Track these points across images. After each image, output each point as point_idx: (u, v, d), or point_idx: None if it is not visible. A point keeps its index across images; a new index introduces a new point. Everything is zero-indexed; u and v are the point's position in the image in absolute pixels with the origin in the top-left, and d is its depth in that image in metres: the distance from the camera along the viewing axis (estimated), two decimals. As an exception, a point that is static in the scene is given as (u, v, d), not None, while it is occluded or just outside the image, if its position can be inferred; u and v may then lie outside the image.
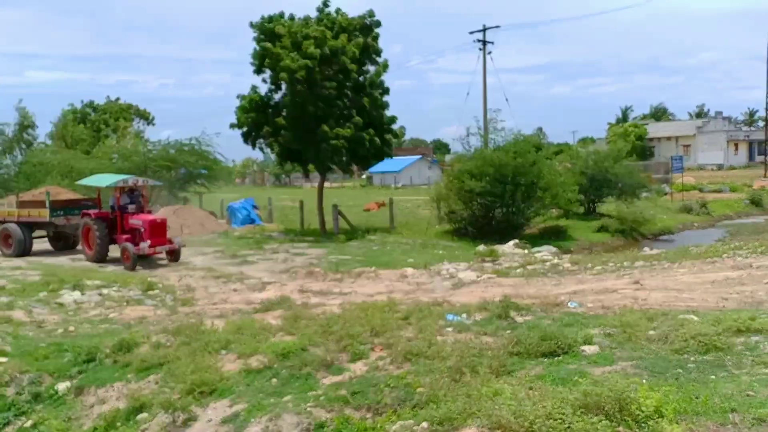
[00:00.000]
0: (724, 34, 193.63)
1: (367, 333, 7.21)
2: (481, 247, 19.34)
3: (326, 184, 28.88)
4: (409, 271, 15.17)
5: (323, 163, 23.84)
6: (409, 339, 6.86)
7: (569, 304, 8.47)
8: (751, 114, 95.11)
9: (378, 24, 23.95)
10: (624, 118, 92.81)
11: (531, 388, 4.91)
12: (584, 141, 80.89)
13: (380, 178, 70.82)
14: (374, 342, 6.97)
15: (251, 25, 23.52)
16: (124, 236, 17.57)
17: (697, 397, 4.44)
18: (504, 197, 23.22)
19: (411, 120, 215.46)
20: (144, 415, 6.25)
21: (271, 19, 23.40)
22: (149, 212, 19.36)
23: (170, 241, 17.80)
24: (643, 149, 70.22)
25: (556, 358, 5.87)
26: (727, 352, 5.58)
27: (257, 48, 23.25)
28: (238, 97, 24.30)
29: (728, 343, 5.75)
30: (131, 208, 18.07)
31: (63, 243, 20.58)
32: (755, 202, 35.85)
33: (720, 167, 65.58)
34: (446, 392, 5.04)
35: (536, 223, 25.76)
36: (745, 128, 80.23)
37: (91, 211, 18.40)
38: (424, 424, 4.56)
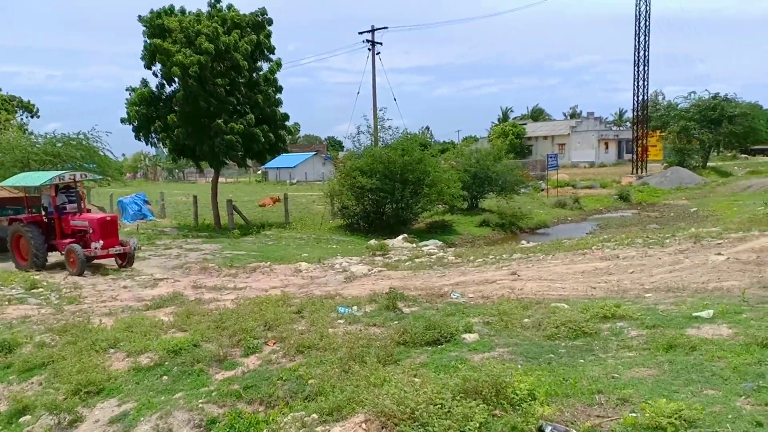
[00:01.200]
0: (596, 39, 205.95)
1: (260, 327, 7.13)
2: (373, 242, 19.56)
3: (221, 180, 28.17)
4: (303, 265, 15.09)
5: (217, 158, 23.24)
6: (302, 332, 6.85)
7: (452, 294, 8.74)
8: (620, 114, 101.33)
9: (270, 21, 23.60)
10: (504, 118, 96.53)
11: (415, 376, 5.04)
12: (468, 140, 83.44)
13: (276, 173, 69.91)
14: (267, 336, 6.90)
15: (140, 19, 22.49)
16: (66, 240, 15.07)
17: (566, 380, 4.71)
18: (393, 193, 23.61)
19: (306, 117, 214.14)
20: (27, 417, 5.89)
21: (160, 14, 22.46)
22: (89, 210, 17.13)
23: (123, 243, 15.31)
24: (521, 148, 73.32)
25: (439, 346, 6.05)
26: (595, 337, 5.94)
27: (147, 42, 22.27)
28: (127, 90, 23.20)
29: (596, 328, 6.12)
30: (70, 207, 15.73)
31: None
32: (623, 197, 38.28)
33: (592, 164, 69.48)
34: (336, 383, 5.08)
35: (424, 218, 26.37)
36: (614, 128, 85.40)
37: (22, 216, 15.82)
38: (314, 415, 4.58)
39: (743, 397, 4.19)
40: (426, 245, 19.28)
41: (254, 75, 23.36)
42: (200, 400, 5.47)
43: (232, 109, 22.28)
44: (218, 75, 21.71)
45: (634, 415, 3.98)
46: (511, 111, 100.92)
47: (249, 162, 27.26)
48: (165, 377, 6.18)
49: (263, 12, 23.48)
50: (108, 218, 15.50)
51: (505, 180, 31.33)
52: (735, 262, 9.83)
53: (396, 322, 7.08)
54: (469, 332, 6.39)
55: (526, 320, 6.73)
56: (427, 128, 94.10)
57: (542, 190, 39.98)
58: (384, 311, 7.73)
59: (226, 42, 21.55)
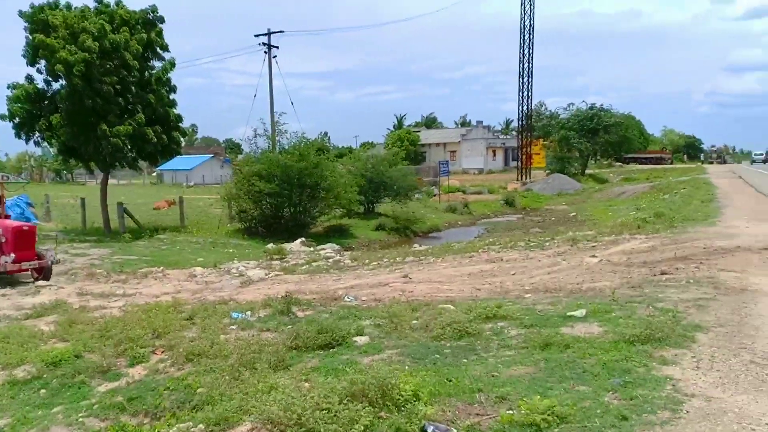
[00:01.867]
0: (486, 50, 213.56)
1: (148, 335, 6.82)
2: (270, 246, 19.24)
3: (114, 182, 26.78)
4: (199, 270, 14.59)
5: (104, 160, 22.00)
6: (192, 339, 6.61)
7: (346, 298, 8.74)
8: (507, 123, 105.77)
9: (162, 19, 22.60)
10: (400, 125, 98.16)
11: (306, 380, 4.99)
12: (366, 145, 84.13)
13: (172, 176, 67.39)
14: (155, 344, 6.61)
15: (20, 14, 20.92)
16: None
17: (450, 380, 4.82)
18: (291, 198, 23.34)
19: (204, 119, 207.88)
20: None
21: (42, 8, 20.98)
22: (8, 217, 14.87)
23: (39, 256, 13.24)
24: (416, 154, 74.81)
25: (331, 350, 6.03)
26: (478, 337, 6.12)
27: (30, 38, 20.74)
28: (9, 87, 21.50)
29: (479, 329, 6.31)
30: None
31: None
32: (509, 203, 39.81)
33: (481, 171, 71.97)
34: (224, 391, 4.93)
35: (322, 222, 26.25)
36: (502, 136, 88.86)
37: None
38: (201, 426, 4.41)
39: (611, 392, 4.44)
40: (323, 249, 19.19)
41: (146, 74, 22.32)
42: (81, 414, 5.14)
43: (121, 109, 21.17)
44: (106, 73, 20.52)
45: (511, 412, 4.12)
46: (406, 118, 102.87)
47: (142, 164, 26.05)
48: (43, 391, 5.77)
49: (154, 9, 22.44)
50: (25, 228, 13.43)
51: (400, 185, 31.77)
52: (607, 263, 10.46)
53: (289, 326, 6.99)
54: (361, 335, 6.42)
55: (414, 322, 6.84)
56: (326, 133, 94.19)
57: (435, 195, 40.89)
58: (278, 316, 7.61)
59: (114, 40, 20.43)
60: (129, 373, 5.97)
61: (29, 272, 13.22)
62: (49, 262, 13.25)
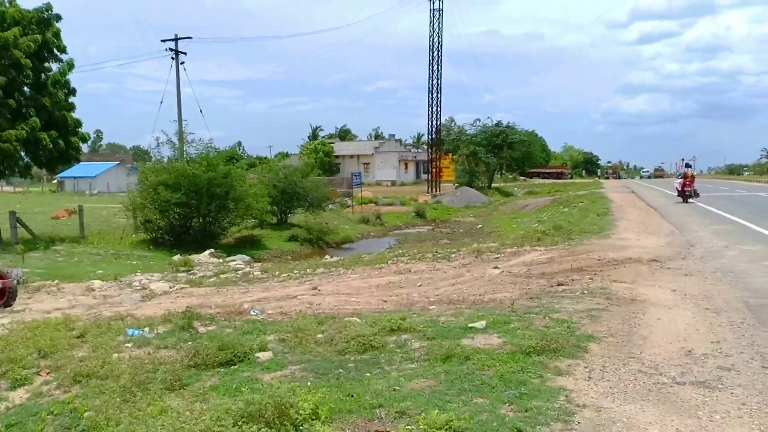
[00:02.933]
0: (398, 65, 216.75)
1: (33, 356, 6.31)
2: (177, 257, 18.53)
3: (9, 189, 24.91)
4: (97, 283, 13.79)
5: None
6: (82, 359, 6.17)
7: (252, 311, 8.49)
8: (418, 137, 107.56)
9: (58, 18, 21.27)
10: (314, 136, 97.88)
11: (203, 401, 4.75)
12: (280, 156, 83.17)
13: (73, 183, 63.85)
14: (41, 365, 6.12)
15: None
16: None
17: (351, 396, 4.72)
18: (200, 208, 22.60)
19: (110, 125, 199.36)
20: None
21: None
22: None
23: (2, 276, 11.08)
24: (330, 165, 74.67)
25: (232, 367, 5.79)
26: (382, 350, 6.06)
27: None
28: None
29: (383, 342, 6.25)
30: None
31: None
32: (420, 214, 40.32)
33: (394, 183, 72.70)
34: (112, 415, 4.60)
35: (233, 232, 25.58)
36: (413, 150, 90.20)
37: None
38: (84, 454, 4.09)
39: (507, 404, 4.48)
40: (233, 260, 18.66)
41: (42, 76, 20.98)
42: (-52, 445, 4.67)
43: (12, 111, 19.72)
44: (-6, 73, 19.11)
45: (410, 428, 4.07)
46: (321, 129, 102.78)
47: (40, 171, 24.47)
48: None
49: (49, 8, 21.06)
50: None
51: (313, 196, 31.51)
52: (508, 275, 10.72)
53: (189, 343, 6.67)
54: (264, 350, 6.21)
55: (320, 336, 6.70)
56: (239, 143, 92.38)
57: (348, 206, 40.88)
58: (178, 332, 7.26)
59: (3, 38, 19.05)
60: (9, 397, 5.50)
61: None
62: (13, 283, 11.18)
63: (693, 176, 25.94)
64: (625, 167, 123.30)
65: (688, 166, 25.83)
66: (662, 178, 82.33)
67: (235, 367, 5.81)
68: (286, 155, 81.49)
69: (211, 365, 5.82)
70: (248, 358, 5.97)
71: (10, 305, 11.11)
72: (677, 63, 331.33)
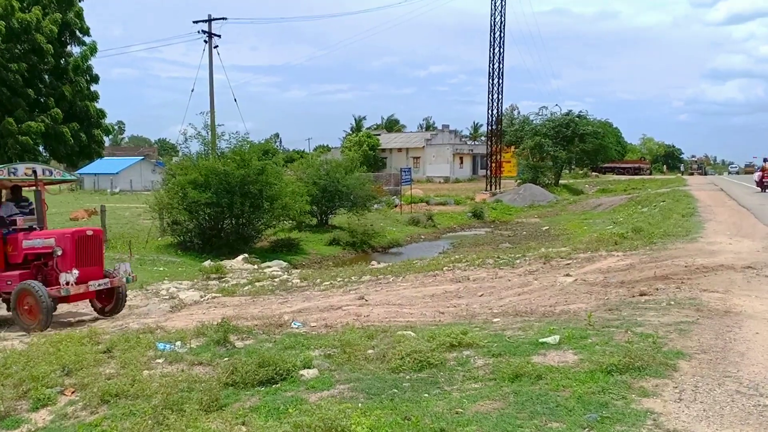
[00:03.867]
0: (453, 48, 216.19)
1: (56, 372, 6.50)
2: (208, 263, 18.90)
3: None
4: (122, 292, 14.18)
5: (10, 161, 21.25)
6: (109, 377, 6.34)
7: (293, 324, 8.58)
8: (476, 128, 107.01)
9: (80, -4, 21.94)
10: (358, 127, 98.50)
11: (243, 424, 4.83)
12: (320, 149, 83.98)
13: (94, 181, 65.89)
14: (65, 383, 6.32)
15: None
16: (12, 273, 10.78)
17: (409, 419, 4.73)
18: (232, 208, 22.97)
19: (133, 116, 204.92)
20: None
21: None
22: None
23: (109, 274, 11.23)
24: (375, 160, 75.07)
25: (274, 386, 5.87)
26: (441, 368, 6.06)
27: None
28: None
29: (441, 358, 6.25)
30: (21, 221, 11.25)
31: None
32: (477, 215, 40.15)
33: (447, 180, 72.63)
34: (146, 437, 4.73)
35: (268, 235, 25.94)
36: (470, 142, 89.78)
37: None
38: (117, 479, 4.22)
39: (587, 429, 4.43)
40: (269, 266, 18.95)
41: (62, 61, 21.56)
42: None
43: (31, 102, 20.35)
44: (13, 59, 19.72)
45: (476, 456, 4.05)
46: (365, 120, 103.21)
47: (58, 166, 25.26)
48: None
49: (71, -17, 21.83)
50: (89, 232, 11.14)
51: (357, 195, 31.64)
52: (582, 283, 10.57)
53: (226, 359, 6.79)
54: (308, 368, 6.28)
55: (370, 351, 6.74)
56: (277, 135, 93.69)
57: (396, 206, 40.99)
58: (213, 346, 7.39)
59: (24, 19, 19.62)
60: (31, 418, 5.69)
61: (89, 300, 11.49)
62: (122, 281, 11.32)
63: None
64: (711, 162, 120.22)
65: (765, 160, 34.81)
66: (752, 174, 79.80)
67: (278, 385, 5.88)
68: (327, 149, 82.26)
69: (250, 383, 5.91)
70: (291, 376, 6.04)
71: (119, 310, 11.48)
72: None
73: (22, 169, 11.35)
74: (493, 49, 53.64)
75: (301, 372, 6.13)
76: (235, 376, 6.00)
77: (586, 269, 12.24)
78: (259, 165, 23.38)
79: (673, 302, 8.26)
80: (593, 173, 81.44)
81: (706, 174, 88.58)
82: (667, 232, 16.63)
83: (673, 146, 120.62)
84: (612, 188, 55.09)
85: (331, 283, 13.95)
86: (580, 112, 62.27)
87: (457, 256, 17.92)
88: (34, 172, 11.41)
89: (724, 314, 7.55)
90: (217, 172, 22.60)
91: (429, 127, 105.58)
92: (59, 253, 10.59)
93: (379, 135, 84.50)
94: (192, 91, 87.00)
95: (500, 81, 54.24)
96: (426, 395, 5.36)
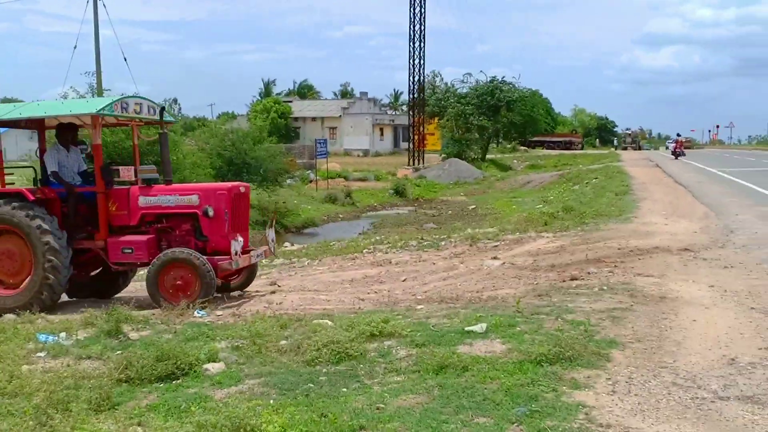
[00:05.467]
0: (370, 7, 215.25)
1: None
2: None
3: None
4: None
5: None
6: (-18, 373, 6.08)
7: (196, 312, 8.45)
8: (396, 96, 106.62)
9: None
10: (267, 92, 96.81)
11: (139, 424, 4.73)
12: (224, 117, 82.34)
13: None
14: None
15: None
16: (136, 238, 9.61)
17: (325, 416, 4.72)
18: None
19: (6, 75, 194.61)
20: None
21: None
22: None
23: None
24: (287, 130, 74.20)
25: (174, 382, 5.77)
26: (360, 360, 6.09)
27: None
28: None
29: (361, 349, 6.28)
30: (127, 172, 9.81)
31: None
32: (399, 192, 40.34)
33: (366, 153, 72.54)
34: (26, 442, 4.56)
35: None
36: (390, 112, 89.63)
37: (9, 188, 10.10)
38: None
39: (515, 424, 4.54)
40: (167, 248, 18.51)
41: None
42: None
43: None
44: None
45: (399, 455, 4.10)
46: (275, 85, 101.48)
47: None
48: None
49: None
50: (242, 189, 10.25)
51: (268, 168, 31.32)
52: (511, 267, 10.83)
53: (119, 352, 6.63)
54: (214, 361, 6.21)
55: (283, 342, 6.71)
56: (175, 100, 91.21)
57: (311, 181, 40.81)
58: (103, 338, 7.21)
59: None
60: None
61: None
62: (271, 250, 10.63)
63: (681, 142, 51.16)
64: (646, 136, 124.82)
65: (678, 135, 47.45)
66: (691, 149, 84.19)
67: (179, 381, 5.79)
68: (232, 116, 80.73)
69: (147, 380, 5.79)
70: (194, 371, 5.96)
71: (249, 284, 10.42)
72: (710, 8, 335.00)
73: (132, 103, 10.03)
74: (414, 9, 53.49)
75: (206, 366, 6.05)
76: (130, 372, 5.86)
77: (514, 252, 12.53)
78: (153, 133, 22.75)
79: (605, 287, 8.55)
80: (522, 148, 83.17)
81: (641, 149, 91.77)
82: (599, 212, 17.17)
83: (606, 118, 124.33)
84: (542, 164, 56.43)
85: (239, 267, 13.78)
86: (504, 78, 62.45)
87: (378, 237, 18.04)
88: (162, 109, 10.53)
89: (660, 300, 7.86)
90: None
91: (346, 94, 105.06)
92: (211, 213, 9.51)
93: (290, 102, 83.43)
94: (75, 48, 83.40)
95: (422, 45, 54.27)
96: (344, 390, 5.38)
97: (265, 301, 9.35)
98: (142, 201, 9.69)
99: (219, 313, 8.58)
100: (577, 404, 4.84)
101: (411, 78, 55.25)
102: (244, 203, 10.18)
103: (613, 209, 17.56)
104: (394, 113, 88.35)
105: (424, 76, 57.00)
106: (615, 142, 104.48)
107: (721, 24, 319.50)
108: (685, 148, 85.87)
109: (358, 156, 69.73)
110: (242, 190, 10.15)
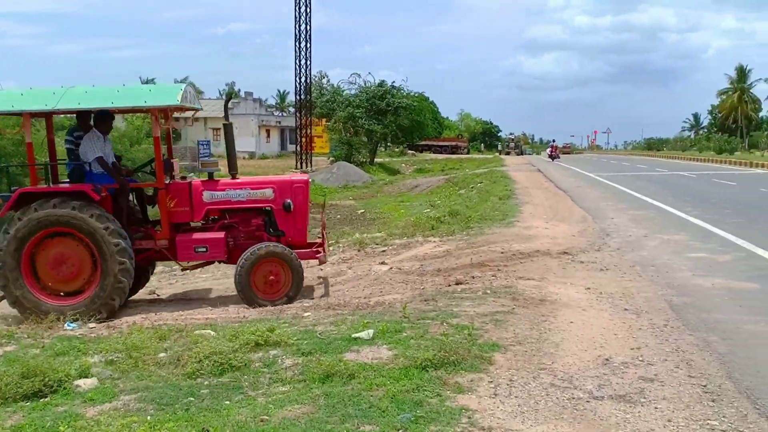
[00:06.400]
0: (254, 3, 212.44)
1: None
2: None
3: None
4: None
5: None
6: None
7: (66, 324, 8.14)
8: (282, 97, 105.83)
9: None
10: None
11: (3, 447, 4.49)
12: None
13: None
14: None
15: None
16: (212, 235, 9.60)
17: (206, 430, 4.66)
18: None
19: None
20: None
21: None
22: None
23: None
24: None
25: (42, 400, 5.52)
26: (244, 370, 6.01)
27: None
28: None
29: (245, 360, 6.20)
30: (207, 164, 10.68)
31: None
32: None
33: (252, 155, 71.54)
34: None
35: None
36: (277, 113, 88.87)
37: (65, 186, 9.52)
38: None
39: (400, 430, 4.62)
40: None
41: None
42: None
43: None
44: None
45: (282, 467, 4.08)
46: (154, 83, 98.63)
47: None
48: None
49: None
50: (309, 178, 10.84)
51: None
52: (398, 272, 10.97)
53: (-21, 369, 6.27)
54: (86, 377, 5.97)
55: (162, 355, 6.54)
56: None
57: (193, 184, 39.86)
58: (-38, 354, 6.80)
59: None
60: None
61: None
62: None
63: (556, 147, 62.83)
64: (529, 140, 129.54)
65: (554, 141, 55.67)
66: (571, 154, 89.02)
67: (47, 399, 5.54)
68: (109, 117, 77.75)
69: (12, 398, 5.51)
70: (64, 388, 5.71)
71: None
72: (587, 15, 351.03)
73: (190, 92, 9.96)
74: (299, 8, 53.16)
75: (77, 382, 5.81)
76: (-7, 390, 5.56)
77: (402, 256, 12.70)
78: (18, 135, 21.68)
79: (489, 291, 8.81)
80: (410, 151, 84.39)
81: (523, 153, 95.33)
82: (484, 216, 17.63)
83: (491, 123, 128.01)
84: (429, 168, 57.46)
85: (116, 275, 13.33)
86: (393, 83, 63.37)
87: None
88: (229, 98, 10.52)
89: (540, 303, 8.18)
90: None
91: (231, 94, 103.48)
92: (291, 207, 9.62)
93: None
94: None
95: (308, 45, 53.88)
96: (227, 402, 5.30)
97: (144, 310, 9.09)
98: (207, 196, 9.61)
99: (92, 325, 8.28)
100: (460, 408, 4.96)
101: (297, 78, 54.89)
102: (307, 196, 10.34)
103: (497, 213, 18.07)
104: (281, 114, 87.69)
105: (310, 77, 56.83)
106: (499, 146, 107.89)
107: (598, 31, 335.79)
108: (565, 153, 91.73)
109: (244, 158, 68.63)
110: (307, 179, 10.55)
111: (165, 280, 12.41)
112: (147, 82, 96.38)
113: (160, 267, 14.01)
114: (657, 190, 24.24)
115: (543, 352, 6.30)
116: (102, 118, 9.79)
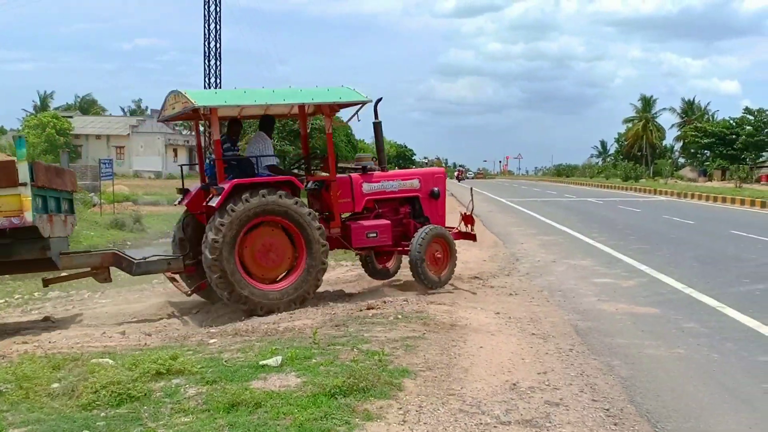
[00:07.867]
0: (162, 19, 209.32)
1: None
2: None
3: None
4: None
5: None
6: None
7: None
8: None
9: None
10: (43, 106, 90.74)
11: None
12: (-5, 132, 76.53)
13: None
14: None
15: None
16: (379, 222, 10.94)
17: (101, 463, 4.53)
18: None
19: None
20: None
21: None
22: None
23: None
24: (67, 147, 70.06)
25: None
26: (144, 401, 5.84)
27: None
28: None
29: (146, 390, 6.04)
30: (363, 158, 12.48)
31: None
32: (190, 217, 39.31)
33: (159, 175, 70.14)
34: None
35: None
36: (185, 132, 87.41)
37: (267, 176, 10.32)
38: None
39: (307, 459, 4.60)
40: None
41: None
42: None
43: None
44: None
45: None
46: (53, 98, 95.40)
47: None
48: None
49: None
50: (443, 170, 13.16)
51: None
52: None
53: None
54: (-29, 410, 5.71)
55: (55, 385, 6.30)
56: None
57: (95, 205, 38.73)
58: None
59: None
60: None
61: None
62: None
63: (462, 171, 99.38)
64: (443, 164, 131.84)
65: (462, 166, 68.14)
66: (485, 179, 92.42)
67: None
68: (2, 131, 75.15)
69: None
70: (-54, 423, 5.45)
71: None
72: (501, 42, 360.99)
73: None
74: (209, 25, 52.62)
75: (-38, 416, 5.56)
76: None
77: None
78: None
79: (400, 316, 8.89)
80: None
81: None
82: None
83: (405, 146, 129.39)
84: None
85: (7, 301, 12.80)
86: None
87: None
88: (378, 100, 11.33)
89: (450, 328, 8.31)
90: None
91: (136, 111, 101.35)
92: (439, 195, 11.41)
93: (71, 117, 78.73)
94: None
95: (218, 63, 53.46)
96: (126, 435, 5.17)
97: (36, 339, 8.75)
98: (366, 188, 10.91)
99: (-21, 354, 7.91)
100: (369, 436, 4.99)
101: (206, 97, 54.31)
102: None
103: (409, 237, 18.23)
104: (189, 133, 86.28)
105: (220, 96, 56.25)
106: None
107: (511, 57, 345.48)
108: (479, 178, 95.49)
109: (150, 178, 67.35)
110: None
111: (61, 305, 11.98)
112: (45, 97, 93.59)
113: (55, 292, 13.55)
114: (565, 216, 25.06)
115: (452, 378, 6.41)
116: (268, 122, 11.28)
